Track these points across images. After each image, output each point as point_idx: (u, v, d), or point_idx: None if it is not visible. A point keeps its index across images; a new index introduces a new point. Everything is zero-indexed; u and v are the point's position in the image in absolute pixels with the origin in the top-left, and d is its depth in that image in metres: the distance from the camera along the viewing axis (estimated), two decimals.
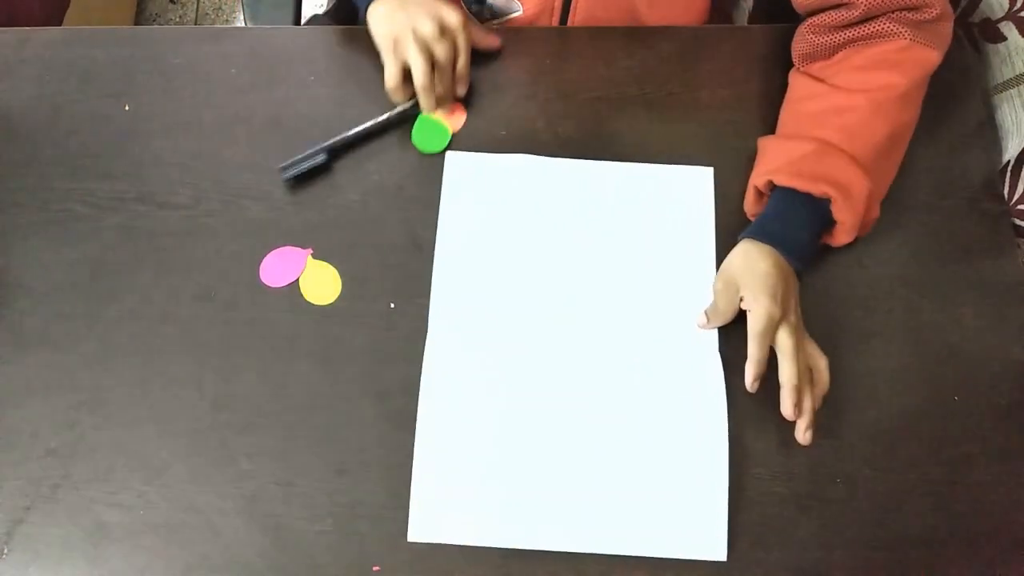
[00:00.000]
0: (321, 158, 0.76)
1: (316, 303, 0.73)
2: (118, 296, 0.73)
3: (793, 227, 0.71)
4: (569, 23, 0.86)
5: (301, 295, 0.73)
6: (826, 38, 0.74)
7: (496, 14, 0.87)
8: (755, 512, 0.67)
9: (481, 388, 0.70)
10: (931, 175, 0.80)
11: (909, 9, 0.71)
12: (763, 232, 0.71)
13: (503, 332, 0.72)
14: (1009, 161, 0.81)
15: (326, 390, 0.70)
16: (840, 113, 0.72)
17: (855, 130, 0.71)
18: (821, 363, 0.68)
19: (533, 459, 0.68)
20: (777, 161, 0.72)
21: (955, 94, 0.83)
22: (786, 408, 0.65)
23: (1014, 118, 0.82)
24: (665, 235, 0.75)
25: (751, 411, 0.70)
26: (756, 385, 0.67)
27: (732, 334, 0.72)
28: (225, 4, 1.75)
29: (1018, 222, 0.78)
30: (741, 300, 0.69)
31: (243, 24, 1.03)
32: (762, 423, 0.70)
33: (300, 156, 0.76)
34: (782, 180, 0.71)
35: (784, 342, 0.66)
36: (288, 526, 0.66)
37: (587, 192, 0.77)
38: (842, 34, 0.73)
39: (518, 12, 0.86)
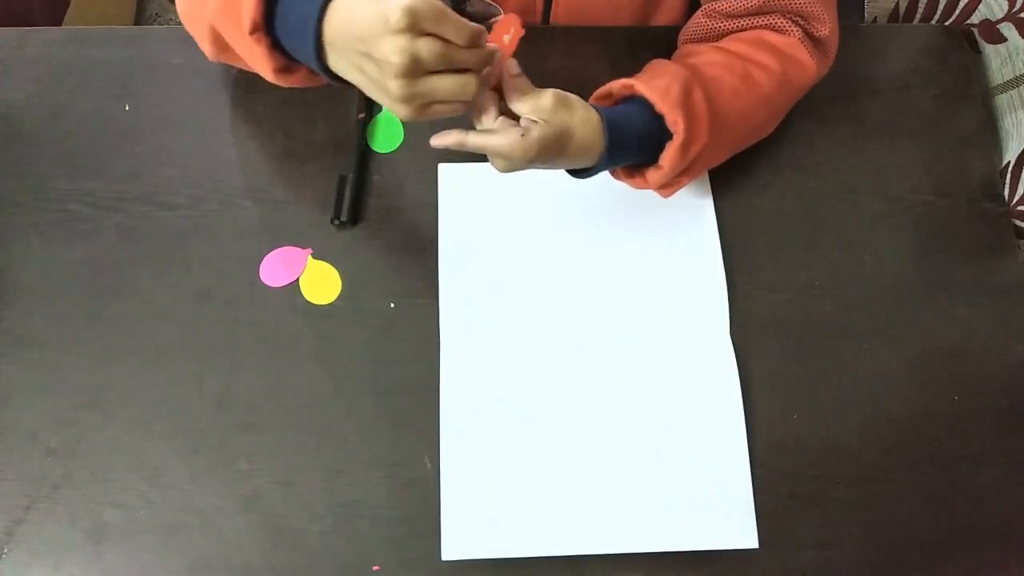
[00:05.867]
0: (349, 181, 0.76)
1: (316, 303, 0.73)
2: (118, 296, 0.73)
3: (629, 137, 0.65)
4: (552, 20, 0.85)
5: (301, 295, 0.73)
6: (719, 24, 0.74)
7: (476, 20, 0.86)
8: (755, 512, 0.67)
9: (500, 400, 0.70)
10: (931, 176, 0.80)
11: (802, 17, 0.71)
12: (611, 121, 0.63)
13: (516, 339, 0.72)
14: (1009, 162, 0.81)
15: (326, 390, 0.70)
16: (713, 66, 0.70)
17: (722, 85, 0.69)
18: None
19: (558, 465, 0.68)
20: (649, 75, 0.68)
21: (955, 95, 0.84)
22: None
23: (1014, 119, 0.82)
24: (666, 225, 0.76)
25: (750, 412, 0.70)
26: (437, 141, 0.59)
27: (743, 323, 0.72)
28: None
29: (1018, 223, 0.79)
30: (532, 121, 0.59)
31: None
32: (762, 424, 0.70)
33: (336, 197, 0.75)
34: (643, 89, 0.65)
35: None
36: (288, 526, 0.66)
37: (583, 191, 0.77)
38: (736, 22, 0.73)
39: (498, 16, 0.86)
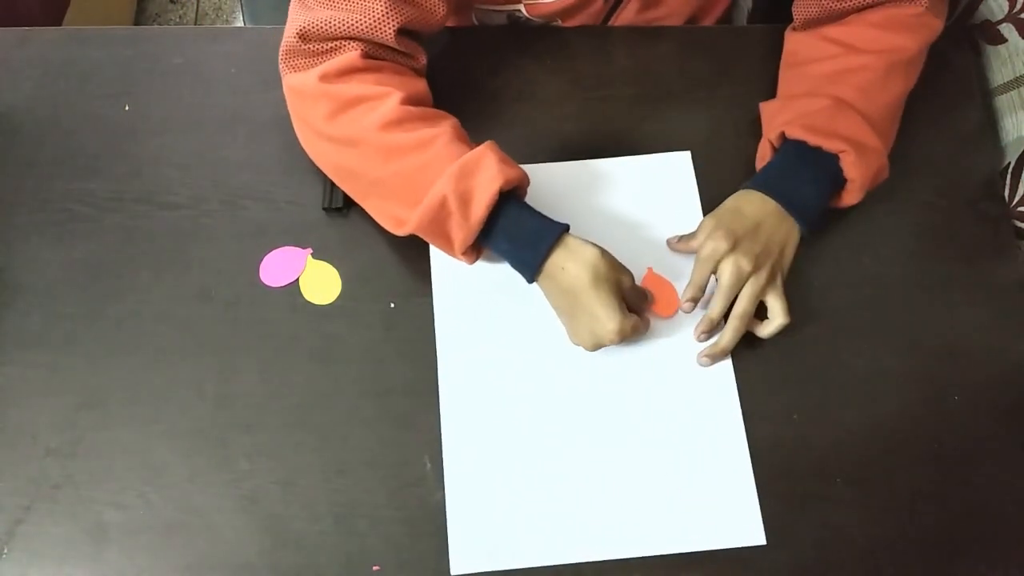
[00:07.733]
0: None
1: (316, 303, 0.73)
2: (118, 296, 0.73)
3: (800, 181, 0.70)
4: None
5: (301, 295, 0.73)
6: (838, 4, 0.73)
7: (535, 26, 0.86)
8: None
9: (500, 401, 0.70)
10: (932, 176, 0.80)
11: None
12: (765, 184, 0.70)
13: (515, 339, 0.72)
14: (1009, 163, 0.81)
15: (326, 390, 0.70)
16: (855, 72, 0.72)
17: (870, 90, 0.71)
18: (779, 320, 0.69)
19: (559, 469, 0.68)
20: (790, 115, 0.71)
21: (955, 96, 0.84)
22: (696, 331, 0.70)
23: (1014, 120, 0.82)
24: (655, 223, 0.76)
25: (749, 411, 0.70)
26: (689, 306, 0.70)
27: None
28: (225, 4, 1.75)
29: (1018, 223, 0.79)
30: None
31: (243, 24, 1.03)
32: (762, 424, 0.70)
33: (329, 183, 0.75)
34: (794, 132, 0.70)
35: (731, 284, 0.68)
36: (288, 526, 0.66)
37: (574, 192, 0.77)
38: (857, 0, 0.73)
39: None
